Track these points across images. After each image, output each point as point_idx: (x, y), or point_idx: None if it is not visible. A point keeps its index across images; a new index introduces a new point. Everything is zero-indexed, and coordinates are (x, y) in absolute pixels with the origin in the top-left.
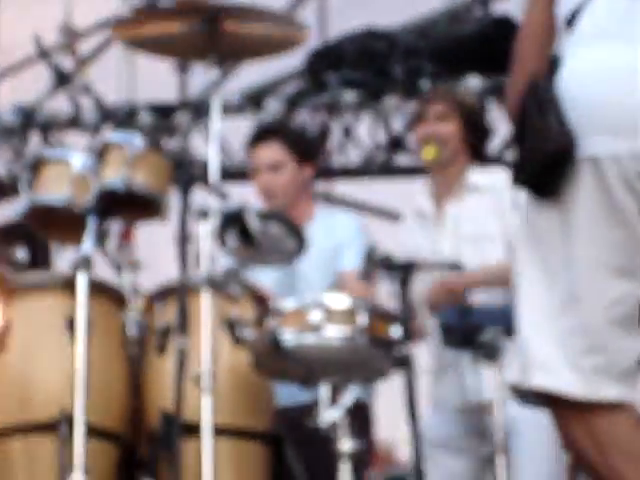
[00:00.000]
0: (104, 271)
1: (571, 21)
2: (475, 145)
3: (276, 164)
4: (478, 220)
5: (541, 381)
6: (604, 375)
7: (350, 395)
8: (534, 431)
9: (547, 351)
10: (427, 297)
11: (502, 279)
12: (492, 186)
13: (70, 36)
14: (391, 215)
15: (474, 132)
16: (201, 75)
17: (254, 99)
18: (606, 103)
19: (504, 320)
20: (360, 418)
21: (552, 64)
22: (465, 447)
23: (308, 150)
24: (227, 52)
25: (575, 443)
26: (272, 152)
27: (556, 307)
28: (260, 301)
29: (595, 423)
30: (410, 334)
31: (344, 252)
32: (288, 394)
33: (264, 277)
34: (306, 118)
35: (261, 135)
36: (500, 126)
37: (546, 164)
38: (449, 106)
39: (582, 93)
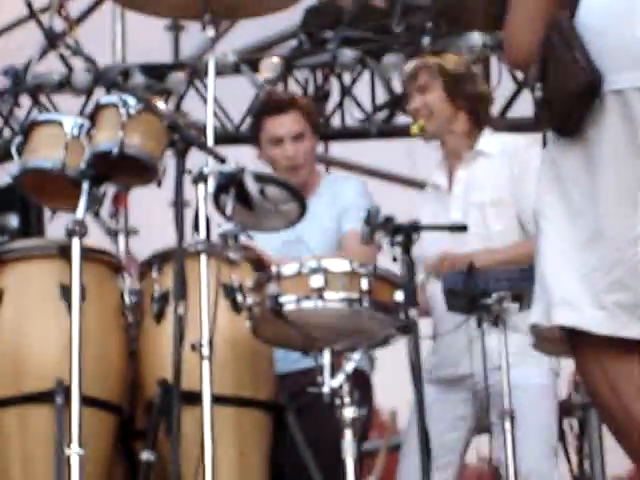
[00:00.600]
0: (98, 237)
1: None
2: (471, 110)
3: (300, 134)
4: (487, 186)
5: (563, 318)
6: (627, 313)
7: (352, 361)
8: (534, 397)
9: (570, 288)
10: (429, 266)
11: (508, 264)
12: (502, 150)
13: None
14: (414, 183)
15: (460, 96)
16: (194, 35)
17: (250, 59)
18: (627, 36)
19: (512, 284)
20: (360, 385)
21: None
22: (462, 416)
23: (317, 122)
24: (222, 10)
25: (591, 383)
26: (295, 122)
27: (580, 243)
28: (260, 266)
29: (612, 364)
30: (414, 298)
31: (347, 217)
32: (289, 359)
33: (268, 245)
34: (304, 78)
35: (283, 105)
36: (504, 84)
37: (573, 100)
38: (428, 76)
39: (602, 27)
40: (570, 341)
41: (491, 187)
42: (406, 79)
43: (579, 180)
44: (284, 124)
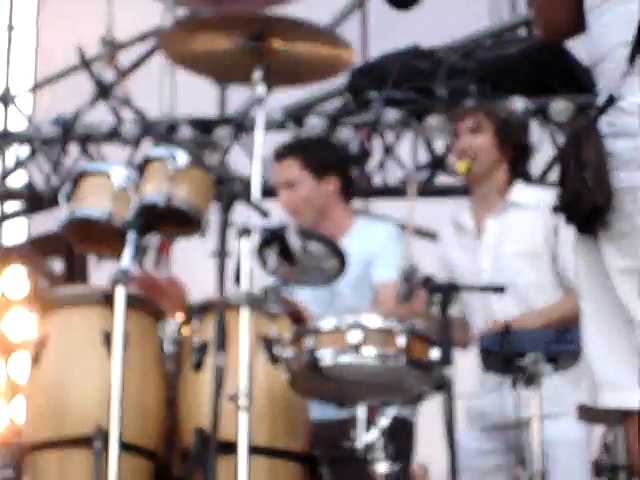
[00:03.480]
0: None
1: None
2: (514, 160)
3: (291, 181)
4: (520, 237)
5: (608, 400)
6: None
7: (387, 416)
8: (570, 452)
9: (613, 369)
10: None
11: (557, 321)
12: (537, 204)
13: (111, 47)
14: (429, 234)
15: (509, 144)
16: (241, 89)
17: (296, 116)
18: None
19: (546, 345)
20: (404, 435)
21: (608, 101)
22: (501, 464)
23: (326, 164)
24: (272, 71)
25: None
26: (287, 170)
27: (620, 325)
28: (298, 320)
29: None
30: (450, 357)
31: (378, 262)
32: (325, 409)
33: (301, 290)
34: (347, 136)
35: (277, 153)
36: (543, 148)
37: (582, 218)
38: (481, 118)
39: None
40: (619, 420)
41: (525, 239)
42: (456, 118)
43: (611, 264)
44: (276, 173)
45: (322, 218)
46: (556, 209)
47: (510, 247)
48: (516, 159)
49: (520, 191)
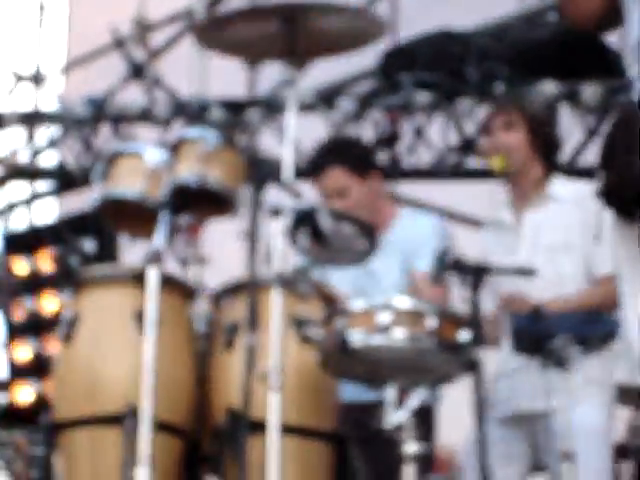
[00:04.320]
0: (170, 265)
1: None
2: (547, 154)
3: (341, 190)
4: (558, 230)
5: None
6: None
7: (417, 397)
8: (589, 440)
9: None
10: (499, 302)
11: (584, 308)
12: (575, 197)
13: (143, 28)
14: (473, 222)
15: (542, 141)
16: (272, 70)
17: (326, 98)
18: None
19: (577, 328)
20: (424, 421)
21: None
22: (517, 454)
23: (367, 163)
24: (304, 50)
25: None
26: (334, 180)
27: None
28: (329, 300)
29: None
30: (480, 338)
31: (419, 253)
32: (354, 391)
33: (341, 278)
34: (378, 118)
35: (318, 165)
36: (574, 132)
37: (627, 202)
38: (514, 115)
39: None
40: None
41: (562, 231)
42: (488, 115)
43: None
44: (323, 185)
45: (374, 213)
46: (599, 192)
47: (547, 239)
48: (549, 153)
49: (558, 185)
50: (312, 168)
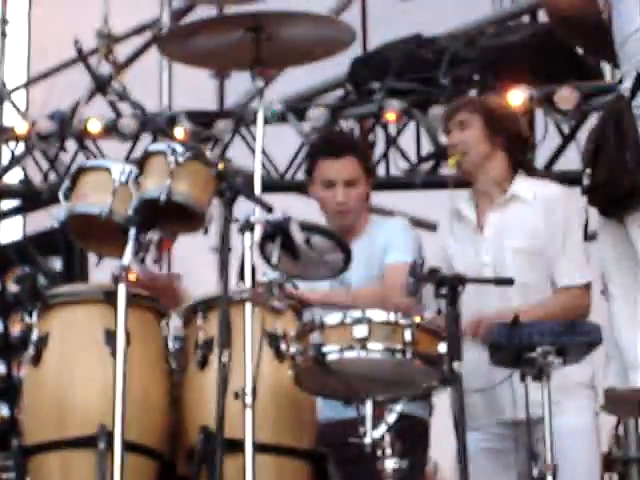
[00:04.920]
0: None
1: None
2: (510, 150)
3: (354, 180)
4: (520, 232)
5: None
6: None
7: (395, 412)
8: (576, 442)
9: None
10: (465, 330)
11: (549, 317)
12: (542, 198)
13: (107, 41)
14: (429, 225)
15: (499, 135)
16: (239, 82)
17: (297, 108)
18: None
19: (554, 338)
20: (415, 434)
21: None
22: (508, 463)
23: (370, 166)
24: (272, 60)
25: None
26: (350, 168)
27: None
28: (305, 306)
29: None
30: (458, 351)
31: (391, 248)
32: (332, 408)
33: (314, 288)
34: (349, 128)
35: (340, 149)
36: (548, 136)
37: (616, 199)
38: (468, 113)
39: None
40: None
41: (526, 234)
42: (446, 115)
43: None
44: (339, 169)
45: (358, 217)
46: (584, 190)
47: (510, 242)
48: (512, 149)
49: (521, 184)
50: (330, 149)
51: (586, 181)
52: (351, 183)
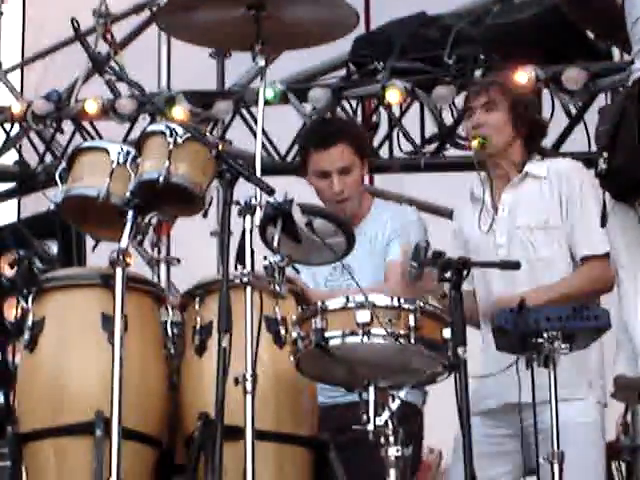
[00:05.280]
0: (137, 266)
1: None
2: (528, 137)
3: (347, 167)
4: (534, 208)
5: None
6: None
7: (398, 399)
8: (580, 436)
9: None
10: (483, 314)
11: (565, 299)
12: (551, 173)
13: (105, 19)
14: (445, 213)
15: (524, 123)
16: (240, 62)
17: (298, 88)
18: None
19: (561, 323)
20: (413, 420)
21: None
22: (506, 452)
23: (365, 147)
24: (273, 39)
25: None
26: (342, 156)
27: None
28: (304, 300)
29: None
30: (463, 336)
31: (392, 243)
32: (334, 391)
33: (316, 271)
34: (352, 109)
35: (329, 138)
36: (557, 117)
37: (633, 185)
38: (495, 95)
39: None
40: None
41: (539, 210)
42: (470, 94)
43: None
44: (330, 158)
45: (359, 202)
46: (598, 174)
47: (524, 220)
48: (530, 136)
49: (535, 163)
50: (319, 141)
51: (602, 165)
52: (345, 170)
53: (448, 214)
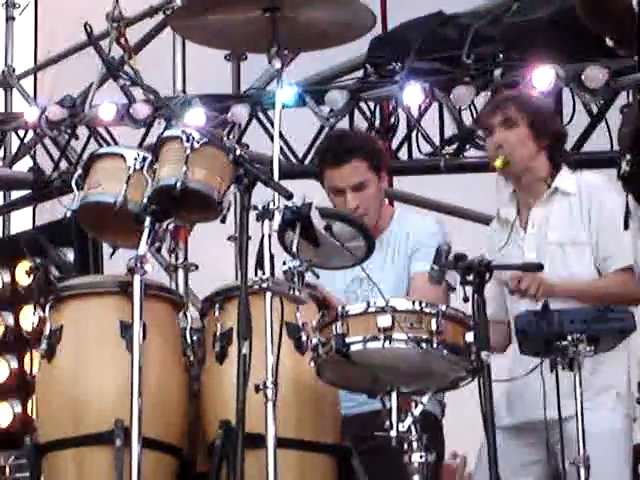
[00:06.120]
0: (155, 273)
1: None
2: (552, 148)
3: (361, 183)
4: (564, 225)
5: None
6: None
7: (421, 404)
8: (605, 445)
9: None
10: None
11: (587, 297)
12: (583, 188)
13: (119, 24)
14: (483, 220)
15: (545, 135)
16: (256, 64)
17: (315, 90)
18: None
19: (585, 326)
20: (431, 430)
21: None
22: (531, 463)
23: (381, 161)
24: (289, 41)
25: None
26: (355, 173)
27: None
28: (325, 306)
29: None
30: (487, 339)
31: (417, 255)
32: (356, 401)
33: (335, 281)
34: (370, 111)
35: (343, 155)
36: (578, 116)
37: None
38: (513, 111)
39: None
40: None
41: (570, 226)
42: (488, 110)
43: None
44: (342, 176)
45: (379, 214)
46: (621, 176)
47: (555, 235)
48: (553, 146)
49: (564, 178)
50: (332, 158)
51: (625, 167)
52: (360, 187)
53: (472, 217)
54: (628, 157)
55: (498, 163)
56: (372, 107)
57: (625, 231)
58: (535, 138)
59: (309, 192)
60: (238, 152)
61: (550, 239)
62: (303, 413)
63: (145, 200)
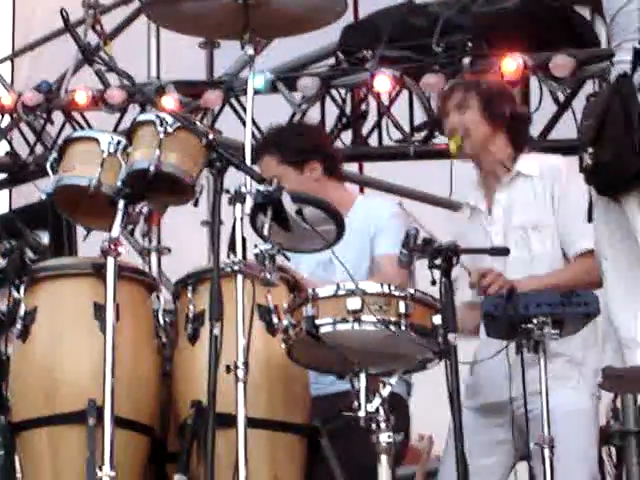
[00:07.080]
0: (128, 255)
1: None
2: (511, 130)
3: (276, 177)
4: (527, 208)
5: (636, 358)
6: None
7: (389, 385)
8: (572, 425)
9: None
10: (471, 282)
11: (556, 289)
12: (542, 172)
13: (94, 10)
14: (452, 205)
15: (501, 117)
16: (229, 51)
17: (287, 77)
18: None
19: (551, 309)
20: (397, 410)
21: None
22: (498, 442)
23: (300, 151)
24: (261, 27)
25: None
26: (266, 167)
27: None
28: (294, 288)
29: None
30: (454, 322)
31: (379, 238)
32: (324, 382)
33: (301, 265)
34: (341, 97)
35: (256, 153)
36: (545, 104)
37: (620, 181)
38: (466, 94)
39: None
40: None
41: (532, 210)
42: (442, 97)
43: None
44: (261, 171)
45: None
46: (584, 169)
47: (518, 219)
48: (512, 129)
49: (525, 161)
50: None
51: (588, 160)
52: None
53: (442, 203)
54: (590, 150)
55: (451, 145)
56: (343, 94)
57: (584, 214)
58: (489, 120)
59: None
60: (211, 136)
61: (514, 223)
62: (273, 394)
63: (119, 183)
